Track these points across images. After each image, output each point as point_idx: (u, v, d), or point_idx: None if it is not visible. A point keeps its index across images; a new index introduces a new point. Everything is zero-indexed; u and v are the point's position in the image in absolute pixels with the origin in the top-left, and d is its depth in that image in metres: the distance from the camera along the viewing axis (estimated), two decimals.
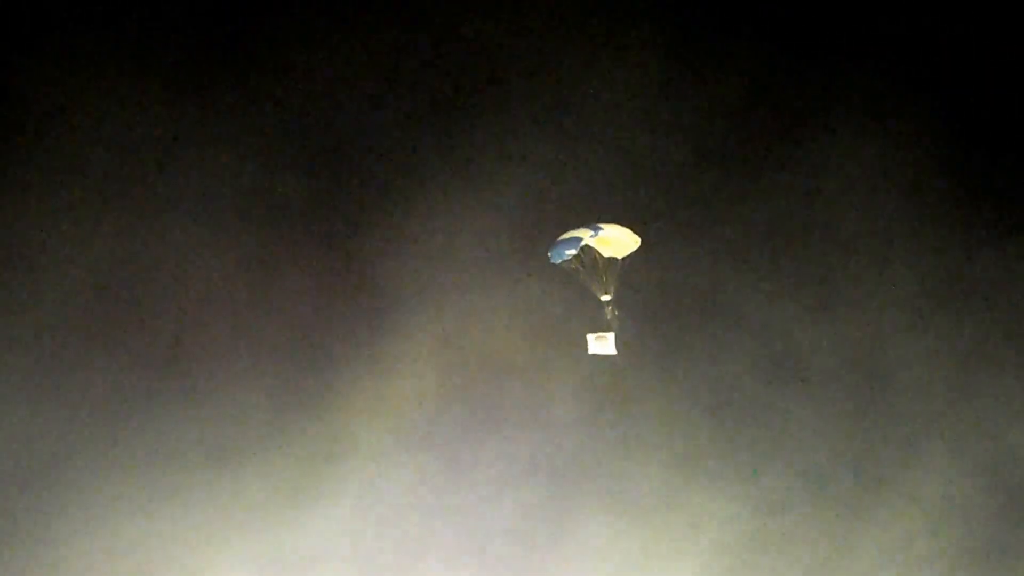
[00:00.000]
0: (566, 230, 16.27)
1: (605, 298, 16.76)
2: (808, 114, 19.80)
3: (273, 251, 19.42)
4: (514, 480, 19.22)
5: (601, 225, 16.41)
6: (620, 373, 19.24)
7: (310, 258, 19.49)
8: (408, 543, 19.00)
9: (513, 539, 19.06)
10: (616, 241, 16.58)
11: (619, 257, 16.69)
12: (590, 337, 16.89)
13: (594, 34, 19.88)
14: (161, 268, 19.14)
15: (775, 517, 19.20)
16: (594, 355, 16.87)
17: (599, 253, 16.59)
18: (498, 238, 19.64)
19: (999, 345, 19.39)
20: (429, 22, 19.77)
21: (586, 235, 16.22)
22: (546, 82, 19.85)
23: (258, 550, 18.66)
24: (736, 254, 19.68)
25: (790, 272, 19.53)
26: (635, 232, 16.52)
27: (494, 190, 19.66)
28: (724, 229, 19.75)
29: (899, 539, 19.12)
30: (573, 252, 16.10)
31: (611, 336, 16.76)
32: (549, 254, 16.32)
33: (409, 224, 19.64)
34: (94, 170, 19.01)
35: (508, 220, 19.63)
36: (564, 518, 19.16)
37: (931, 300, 19.55)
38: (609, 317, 16.71)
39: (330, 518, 18.85)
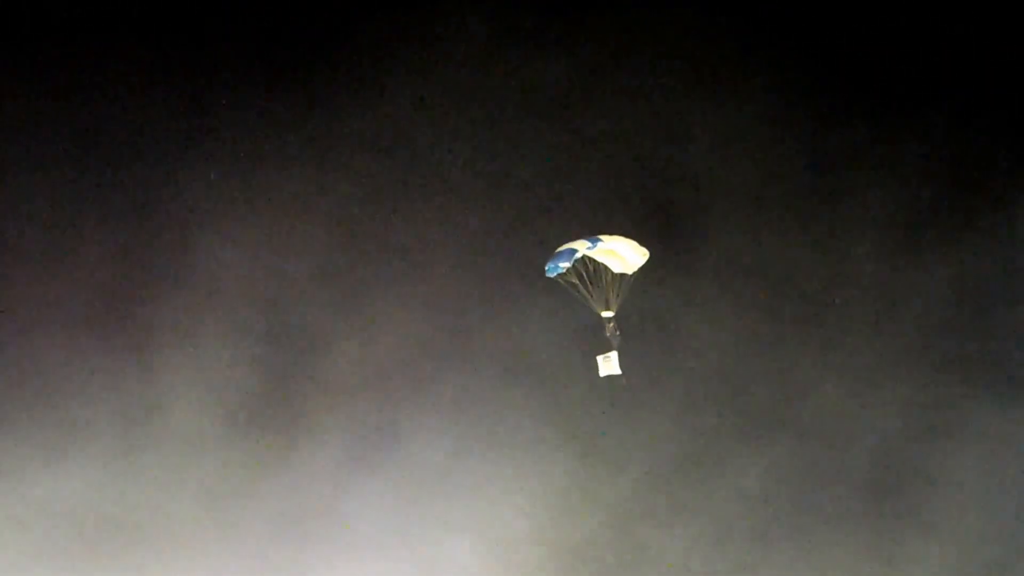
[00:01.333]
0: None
1: (606, 314, 15.97)
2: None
3: (81, 218, 19.01)
4: (303, 449, 18.89)
5: (601, 237, 15.67)
6: (424, 344, 19.04)
7: (118, 221, 19.04)
8: (208, 517, 18.73)
9: (299, 506, 18.80)
10: (622, 254, 15.82)
11: (629, 273, 15.95)
12: (599, 359, 16.16)
13: None
14: None
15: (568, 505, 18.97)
16: (606, 375, 16.19)
17: (608, 268, 15.87)
18: (328, 207, 19.20)
19: (818, 346, 19.19)
20: None
21: (582, 247, 15.51)
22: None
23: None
24: (567, 212, 19.20)
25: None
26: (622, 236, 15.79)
27: (329, 154, 19.24)
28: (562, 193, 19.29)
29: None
30: (567, 265, 15.38)
31: (614, 355, 16.02)
32: (545, 267, 15.64)
33: (225, 189, 19.19)
34: None
35: (341, 190, 19.24)
36: (350, 488, 18.83)
37: (741, 296, 19.22)
38: (609, 335, 15.90)
39: (140, 491, 18.63)
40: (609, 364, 16.07)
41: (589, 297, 15.95)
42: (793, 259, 19.23)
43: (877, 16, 19.16)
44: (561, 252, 15.59)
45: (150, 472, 18.72)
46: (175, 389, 18.91)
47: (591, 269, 15.84)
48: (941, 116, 19.11)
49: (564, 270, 15.53)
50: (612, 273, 15.91)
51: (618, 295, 15.97)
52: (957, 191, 19.11)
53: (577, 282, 15.77)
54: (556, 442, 19.06)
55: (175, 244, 19.19)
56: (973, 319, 19.00)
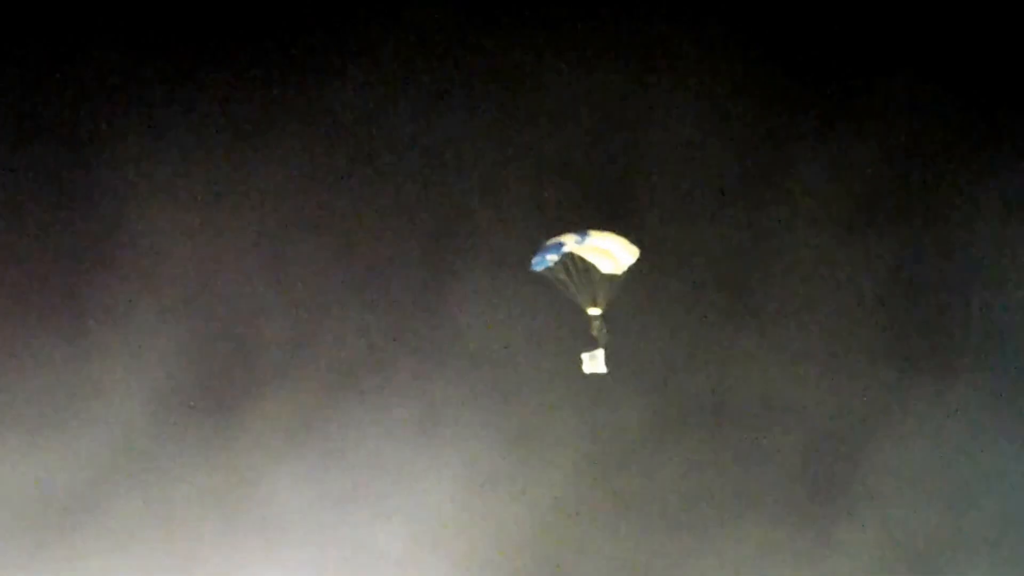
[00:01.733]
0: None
1: (593, 312, 15.66)
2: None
3: (14, 199, 18.78)
4: (234, 433, 18.73)
5: (590, 232, 15.36)
6: (358, 330, 18.98)
7: (51, 203, 18.79)
8: (137, 498, 18.59)
9: (228, 489, 18.68)
10: (613, 252, 15.50)
11: (619, 272, 15.61)
12: (584, 356, 15.84)
13: None
14: None
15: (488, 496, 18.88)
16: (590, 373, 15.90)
17: (595, 267, 15.54)
18: (265, 190, 19.02)
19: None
20: None
21: (570, 241, 15.22)
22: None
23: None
24: (510, 197, 19.17)
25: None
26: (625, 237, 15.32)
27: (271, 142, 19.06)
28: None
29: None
30: (555, 258, 15.10)
31: (600, 353, 15.71)
32: (532, 261, 15.32)
33: (161, 171, 18.92)
34: None
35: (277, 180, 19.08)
36: (280, 472, 18.72)
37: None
38: (595, 333, 15.56)
39: (68, 471, 18.35)
40: (595, 362, 15.80)
41: (577, 294, 15.65)
42: (729, 245, 19.29)
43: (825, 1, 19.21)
44: (549, 246, 15.29)
45: (79, 453, 18.51)
46: (107, 371, 18.74)
47: (579, 266, 15.51)
48: (884, 105, 19.14)
49: (551, 264, 15.22)
50: (601, 274, 15.59)
51: (606, 293, 15.66)
52: (896, 179, 19.19)
53: (564, 278, 15.45)
54: (488, 429, 18.96)
55: (109, 226, 18.98)
56: (909, 305, 19.13)
